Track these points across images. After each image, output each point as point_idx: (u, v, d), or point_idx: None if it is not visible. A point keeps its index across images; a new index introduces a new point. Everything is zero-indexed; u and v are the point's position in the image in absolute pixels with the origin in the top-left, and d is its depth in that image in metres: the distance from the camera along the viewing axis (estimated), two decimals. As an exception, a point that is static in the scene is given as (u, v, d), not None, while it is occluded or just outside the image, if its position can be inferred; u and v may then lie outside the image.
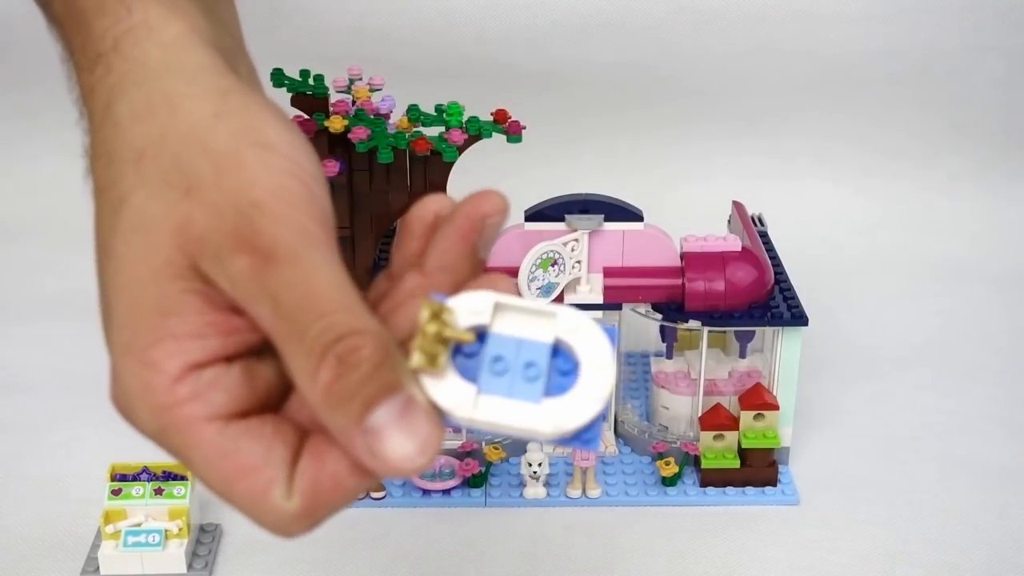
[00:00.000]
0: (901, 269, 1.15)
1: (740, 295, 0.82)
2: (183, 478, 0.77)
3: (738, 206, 0.94)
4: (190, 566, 0.76)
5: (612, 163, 1.23)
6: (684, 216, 1.21)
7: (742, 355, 0.87)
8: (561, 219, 0.82)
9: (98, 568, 0.75)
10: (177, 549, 0.75)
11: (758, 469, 0.84)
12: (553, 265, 0.81)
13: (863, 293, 1.12)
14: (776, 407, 0.84)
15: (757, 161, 1.23)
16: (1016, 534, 0.81)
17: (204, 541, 0.78)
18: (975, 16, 1.14)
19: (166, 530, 0.75)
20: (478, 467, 0.84)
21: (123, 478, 0.77)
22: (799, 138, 1.22)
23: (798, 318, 0.82)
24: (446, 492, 0.84)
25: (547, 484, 0.84)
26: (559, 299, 0.82)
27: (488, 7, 1.16)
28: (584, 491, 0.83)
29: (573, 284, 0.83)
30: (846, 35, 1.16)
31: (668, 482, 0.84)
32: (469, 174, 0.92)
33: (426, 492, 0.84)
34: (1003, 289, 1.13)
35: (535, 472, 0.83)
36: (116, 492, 0.76)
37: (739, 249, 0.84)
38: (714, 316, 0.83)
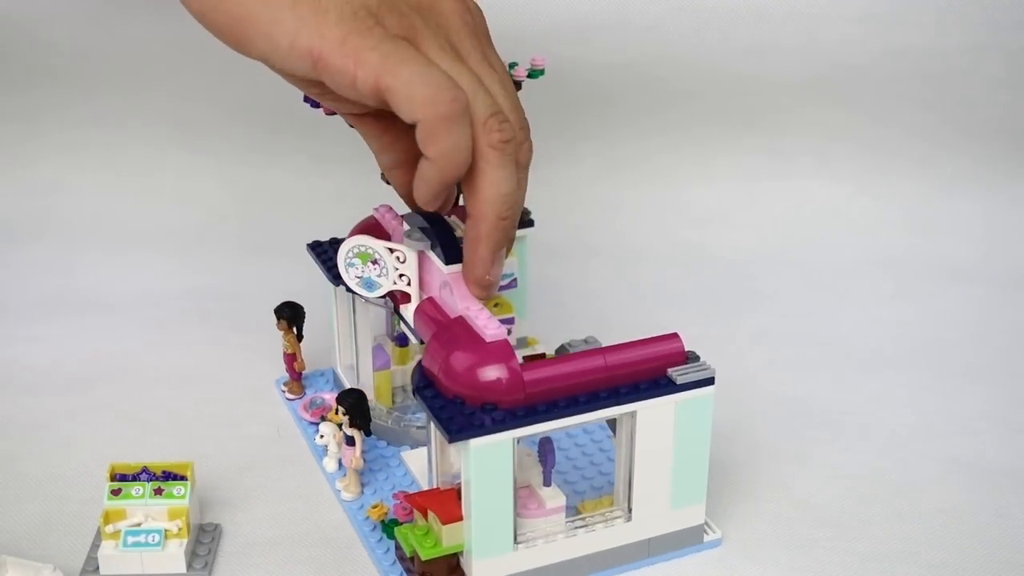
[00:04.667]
0: (901, 269, 1.15)
1: (453, 378, 0.70)
2: (183, 478, 0.77)
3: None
4: (190, 566, 0.75)
5: (611, 162, 1.23)
6: (683, 216, 1.22)
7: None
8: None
9: (98, 568, 0.75)
10: (177, 549, 0.75)
11: (427, 570, 0.73)
12: (374, 263, 0.79)
13: (863, 293, 1.12)
14: (446, 521, 0.72)
15: (757, 161, 1.23)
16: (1015, 534, 0.81)
17: (204, 541, 0.78)
18: (975, 16, 1.14)
19: (166, 530, 0.75)
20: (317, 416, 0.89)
21: (123, 478, 0.76)
22: (799, 138, 1.22)
23: (453, 430, 0.68)
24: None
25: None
26: (396, 301, 0.80)
27: (488, 7, 1.16)
28: (345, 488, 0.83)
29: (408, 299, 0.80)
30: (846, 35, 1.16)
31: (385, 529, 0.77)
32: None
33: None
34: (1003, 289, 1.13)
35: (325, 445, 0.84)
36: (116, 492, 0.76)
37: (488, 340, 0.71)
38: (422, 387, 0.72)
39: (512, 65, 0.84)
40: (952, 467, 0.87)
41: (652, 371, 0.72)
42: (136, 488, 0.76)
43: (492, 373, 0.69)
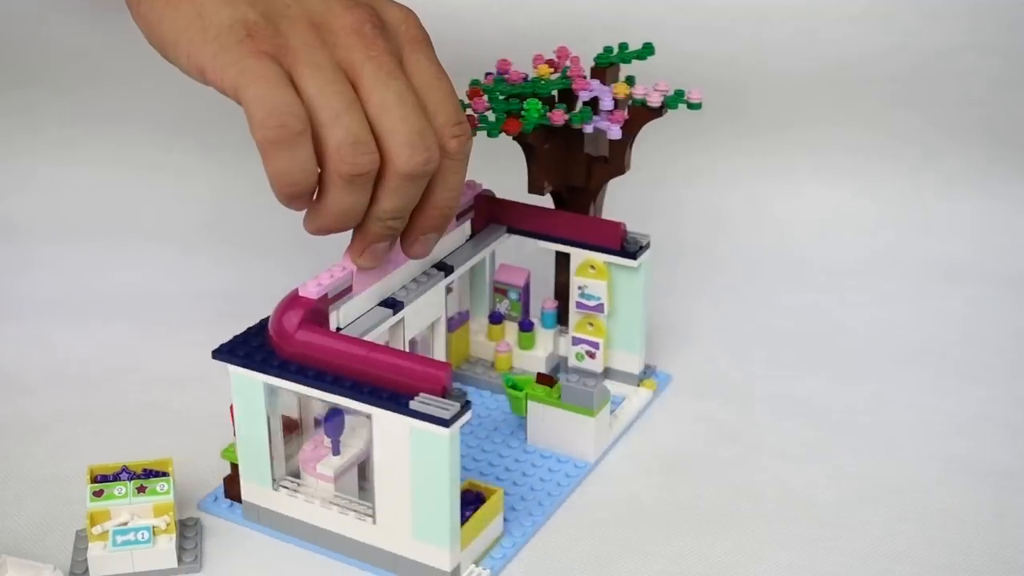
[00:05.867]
0: (900, 269, 1.15)
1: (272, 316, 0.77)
2: (164, 474, 0.77)
3: None
4: (180, 560, 0.75)
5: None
6: (684, 216, 1.22)
7: None
8: None
9: (87, 571, 0.75)
10: (167, 544, 0.75)
11: (235, 475, 0.81)
12: None
13: (862, 293, 1.12)
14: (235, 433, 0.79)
15: (757, 161, 1.22)
16: (1015, 534, 0.80)
17: (188, 535, 0.78)
18: (975, 16, 1.14)
19: (154, 527, 0.75)
20: None
21: (103, 479, 0.77)
22: (799, 139, 1.21)
23: (221, 349, 0.76)
24: None
25: None
26: None
27: (488, 8, 1.16)
28: None
29: None
30: (846, 35, 1.16)
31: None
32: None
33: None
34: (1002, 289, 1.12)
35: None
36: (98, 493, 0.75)
37: (299, 294, 0.76)
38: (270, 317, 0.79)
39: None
40: (952, 467, 0.87)
41: (406, 386, 0.71)
42: (118, 488, 0.76)
43: (277, 319, 0.75)
